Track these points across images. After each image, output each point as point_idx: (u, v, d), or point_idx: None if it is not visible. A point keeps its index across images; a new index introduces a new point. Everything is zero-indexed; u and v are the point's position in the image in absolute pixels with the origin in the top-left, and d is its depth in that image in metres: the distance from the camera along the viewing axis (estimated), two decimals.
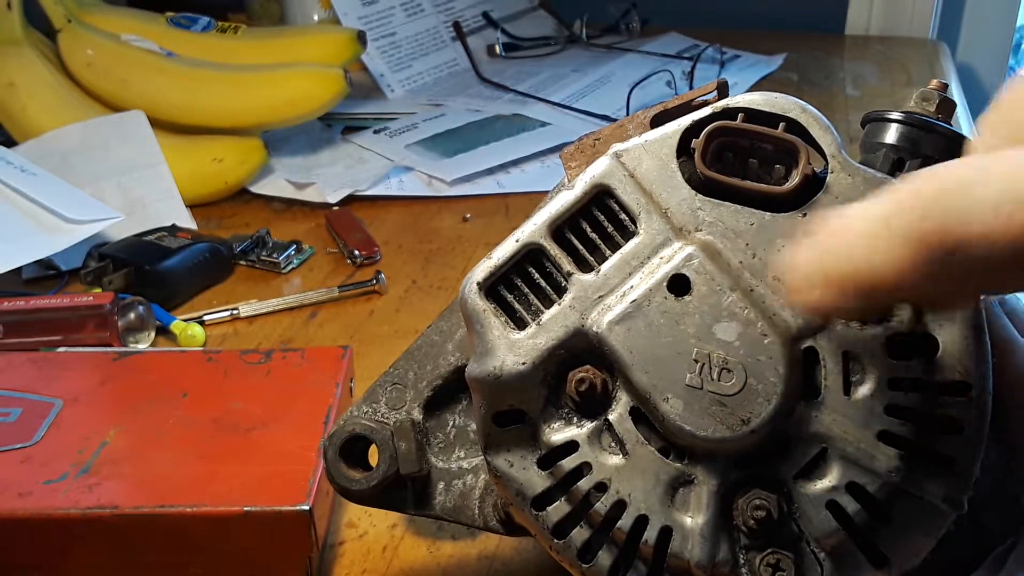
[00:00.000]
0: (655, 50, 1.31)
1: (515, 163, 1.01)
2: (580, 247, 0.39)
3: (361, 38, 1.08)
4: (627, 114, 1.09)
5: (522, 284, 0.40)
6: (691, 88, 1.15)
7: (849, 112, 1.13)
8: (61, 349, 0.69)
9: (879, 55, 1.36)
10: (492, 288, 0.40)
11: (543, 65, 1.29)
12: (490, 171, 1.00)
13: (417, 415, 0.45)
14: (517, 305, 0.40)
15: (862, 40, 1.43)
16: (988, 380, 0.37)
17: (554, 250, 0.39)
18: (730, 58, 1.28)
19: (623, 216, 0.39)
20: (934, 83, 0.40)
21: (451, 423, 0.46)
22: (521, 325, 0.39)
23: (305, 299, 0.77)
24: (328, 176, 0.98)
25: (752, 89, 1.15)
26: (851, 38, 1.44)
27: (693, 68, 1.19)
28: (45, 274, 0.81)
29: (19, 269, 0.79)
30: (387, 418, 0.45)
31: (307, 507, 0.48)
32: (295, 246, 0.84)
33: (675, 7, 1.44)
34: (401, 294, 0.79)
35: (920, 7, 1.42)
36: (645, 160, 0.39)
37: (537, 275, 0.40)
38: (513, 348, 0.39)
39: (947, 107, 0.40)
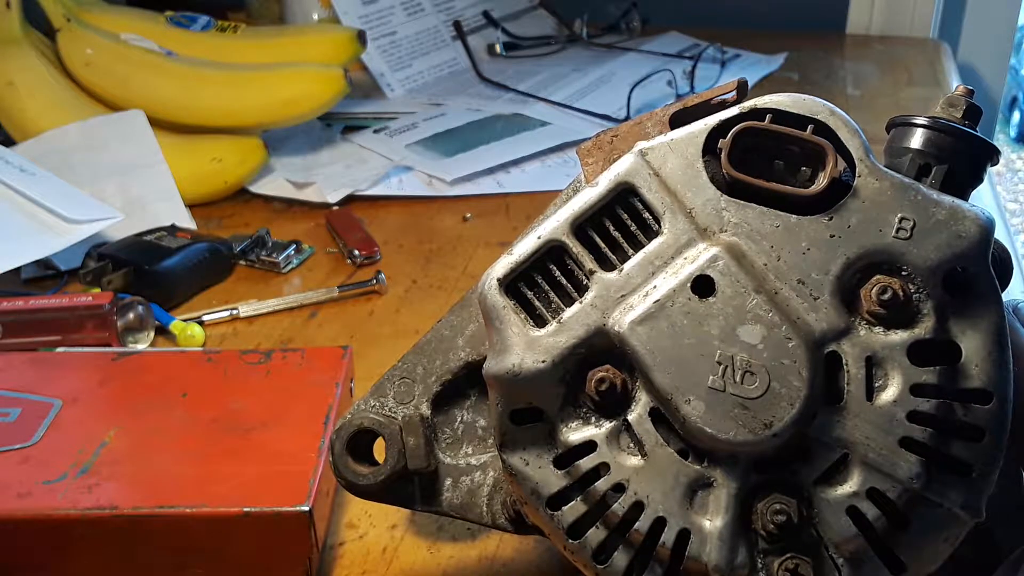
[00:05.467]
0: (656, 49, 1.31)
1: (515, 163, 1.01)
2: (603, 245, 0.39)
3: (361, 37, 1.08)
4: (628, 114, 1.09)
5: (543, 281, 0.40)
6: (692, 88, 1.15)
7: (850, 112, 1.13)
8: (60, 349, 0.68)
9: (880, 54, 1.35)
10: (512, 285, 0.39)
11: (543, 64, 1.29)
12: (490, 171, 0.99)
13: (425, 410, 0.45)
14: (537, 303, 0.39)
15: (863, 39, 1.43)
16: (1009, 388, 0.37)
17: (576, 248, 0.39)
18: (731, 57, 1.27)
19: (647, 215, 0.39)
20: (960, 89, 0.40)
21: (459, 419, 0.46)
22: (541, 323, 0.39)
23: (305, 299, 0.77)
24: (328, 176, 0.97)
25: (754, 89, 1.15)
26: (852, 37, 1.44)
27: (694, 67, 1.19)
28: (44, 274, 0.81)
29: (18, 269, 0.79)
30: (395, 412, 0.45)
31: (307, 508, 0.48)
32: (295, 246, 0.84)
33: (676, 6, 1.44)
34: (401, 294, 0.79)
35: (921, 6, 1.41)
36: (670, 159, 0.39)
37: (558, 273, 0.39)
38: (532, 346, 0.38)
39: (973, 113, 0.40)
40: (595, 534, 0.39)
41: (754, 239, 0.37)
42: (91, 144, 0.93)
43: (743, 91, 0.41)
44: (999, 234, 0.38)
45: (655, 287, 0.38)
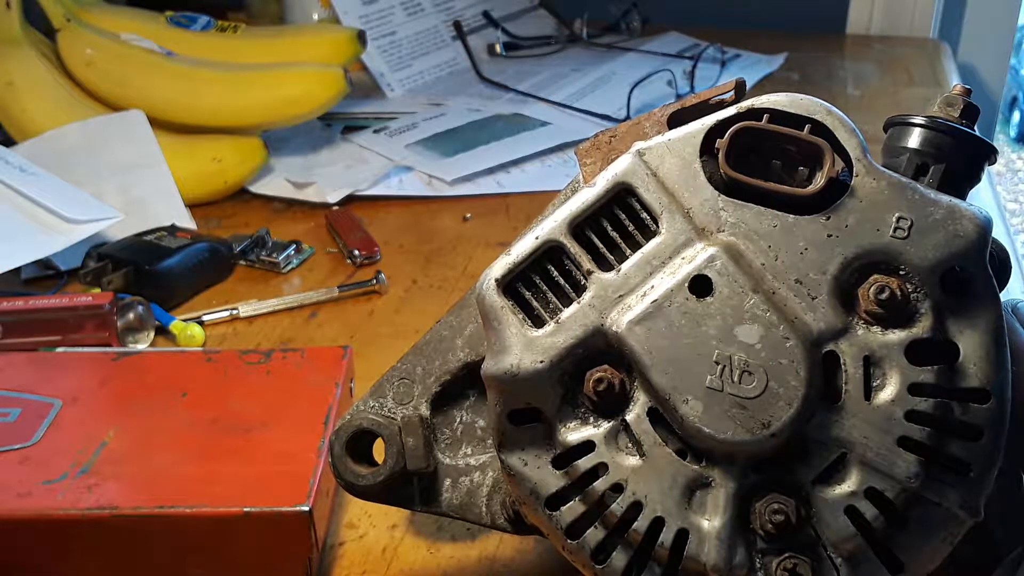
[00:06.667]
0: (656, 49, 1.31)
1: (515, 163, 1.01)
2: (600, 246, 0.39)
3: (361, 37, 1.08)
4: (628, 114, 1.09)
5: (541, 282, 0.40)
6: (692, 88, 1.15)
7: (850, 112, 1.12)
8: (60, 349, 0.68)
9: (880, 55, 1.35)
10: (510, 285, 0.40)
11: (543, 64, 1.29)
12: (490, 171, 0.99)
13: (424, 411, 0.45)
14: (535, 303, 0.39)
15: (863, 39, 1.43)
16: (1008, 387, 0.37)
17: (574, 248, 0.39)
18: (731, 58, 1.27)
19: (645, 215, 0.39)
20: (958, 88, 0.40)
21: (458, 419, 0.46)
22: (539, 323, 0.39)
23: (305, 299, 0.77)
24: (328, 176, 0.97)
25: (754, 89, 1.15)
26: (852, 37, 1.44)
27: (694, 68, 1.19)
28: (44, 274, 0.81)
29: (18, 269, 0.79)
30: (394, 413, 0.45)
31: (307, 508, 0.48)
32: (295, 246, 0.84)
33: (676, 6, 1.44)
34: (401, 294, 0.79)
35: (921, 6, 1.41)
36: (668, 159, 0.39)
37: (556, 273, 0.39)
38: (531, 346, 0.38)
39: (971, 112, 0.40)
40: (594, 534, 0.39)
41: (752, 239, 0.37)
42: (91, 144, 0.93)
43: (741, 91, 0.41)
44: (998, 234, 0.38)
45: (653, 287, 0.38)
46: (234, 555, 0.49)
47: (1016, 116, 4.43)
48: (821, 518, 0.37)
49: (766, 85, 1.22)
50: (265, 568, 0.49)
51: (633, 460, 0.38)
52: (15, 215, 0.78)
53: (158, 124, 0.95)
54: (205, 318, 0.74)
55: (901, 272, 0.37)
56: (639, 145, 0.39)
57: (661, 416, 0.38)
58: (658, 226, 0.38)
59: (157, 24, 1.06)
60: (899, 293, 0.36)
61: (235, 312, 0.75)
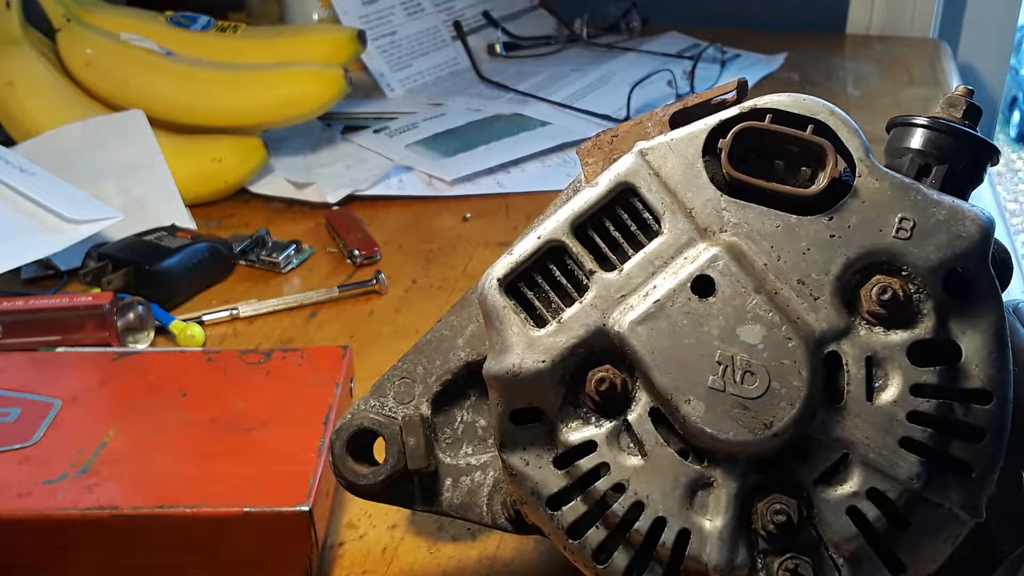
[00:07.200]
0: (656, 49, 1.31)
1: (515, 163, 1.01)
2: (603, 246, 0.39)
3: (361, 37, 1.08)
4: (628, 114, 1.09)
5: (543, 281, 0.40)
6: (692, 88, 1.15)
7: (850, 112, 1.12)
8: (60, 349, 0.68)
9: (880, 54, 1.35)
10: (512, 285, 0.40)
11: (543, 64, 1.29)
12: (490, 171, 0.99)
13: (425, 410, 0.45)
14: (537, 303, 0.40)
15: (863, 39, 1.43)
16: (1009, 388, 0.37)
17: (576, 248, 0.39)
18: (731, 58, 1.27)
19: (647, 215, 0.39)
20: (960, 89, 0.40)
21: (459, 419, 0.46)
22: (541, 323, 0.39)
23: (305, 299, 0.77)
24: (328, 176, 0.97)
25: (754, 89, 1.15)
26: (852, 37, 1.44)
27: (694, 68, 1.19)
28: (44, 274, 0.81)
29: (18, 269, 0.79)
30: (395, 412, 0.45)
31: (307, 508, 0.48)
32: (295, 246, 0.83)
33: (676, 6, 1.43)
34: (401, 294, 0.79)
35: (921, 6, 1.41)
36: (670, 159, 0.39)
37: (558, 273, 0.39)
38: (532, 346, 0.39)
39: (973, 113, 0.40)
40: (595, 534, 0.39)
41: (754, 239, 0.37)
42: (91, 144, 0.93)
43: (743, 91, 0.41)
44: (999, 234, 0.38)
45: (655, 287, 0.38)
46: (234, 555, 0.49)
47: (1016, 116, 4.43)
48: (823, 518, 0.37)
49: (766, 85, 1.22)
50: (265, 568, 0.49)
51: (635, 460, 0.38)
52: (15, 215, 0.78)
53: (158, 124, 0.95)
54: (205, 318, 0.74)
55: (903, 273, 0.37)
56: (641, 145, 0.39)
57: (663, 416, 0.38)
58: (660, 226, 0.38)
59: (157, 24, 1.06)
60: (901, 294, 0.36)
61: (235, 312, 0.75)
